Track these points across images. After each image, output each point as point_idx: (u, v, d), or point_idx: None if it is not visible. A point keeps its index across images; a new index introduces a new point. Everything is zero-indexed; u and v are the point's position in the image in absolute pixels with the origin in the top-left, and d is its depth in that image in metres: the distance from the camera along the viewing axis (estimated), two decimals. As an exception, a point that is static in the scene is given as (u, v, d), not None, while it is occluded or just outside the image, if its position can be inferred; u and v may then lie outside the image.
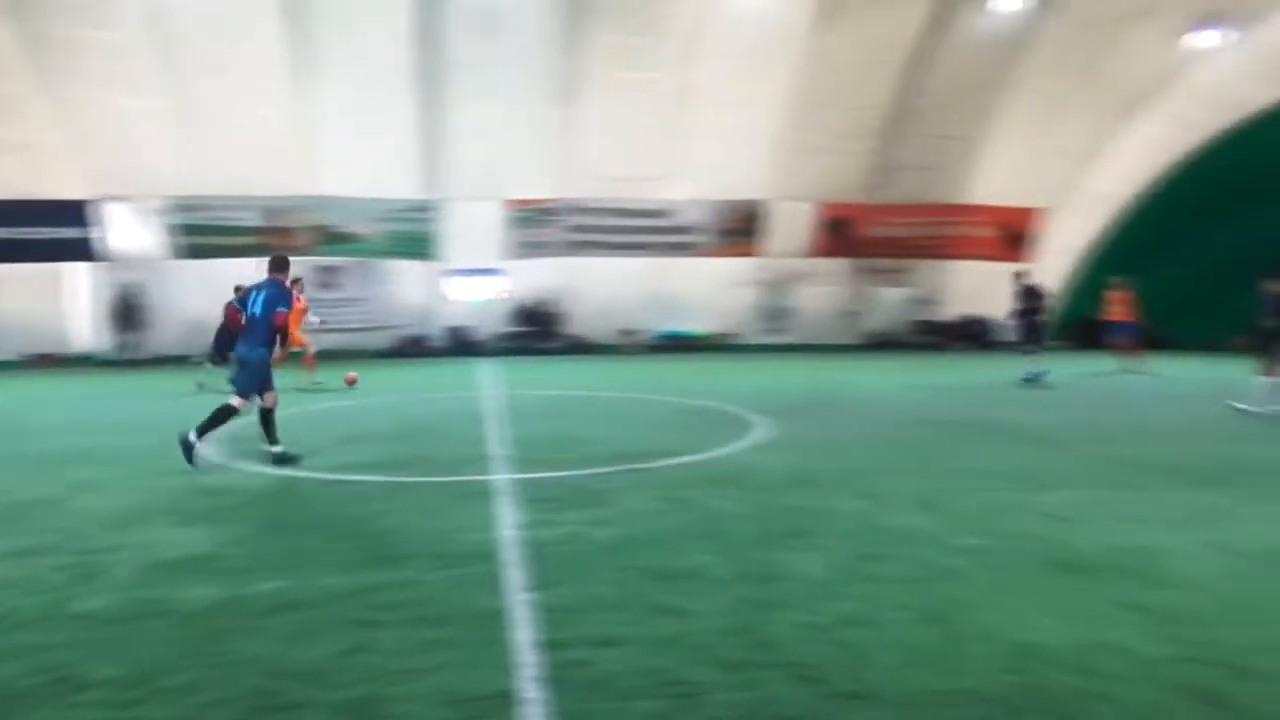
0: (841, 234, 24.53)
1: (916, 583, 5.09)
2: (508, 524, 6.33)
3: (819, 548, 5.77)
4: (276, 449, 8.60)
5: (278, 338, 8.66)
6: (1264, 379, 12.13)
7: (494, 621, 4.48)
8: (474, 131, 22.28)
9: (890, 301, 25.57)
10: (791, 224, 24.41)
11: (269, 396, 8.66)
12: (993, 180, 24.13)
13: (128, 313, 22.97)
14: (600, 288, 24.72)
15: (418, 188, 23.75)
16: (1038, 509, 6.81)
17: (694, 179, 23.96)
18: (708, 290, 25.28)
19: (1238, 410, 12.10)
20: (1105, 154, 23.54)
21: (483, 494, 7.32)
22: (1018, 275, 17.69)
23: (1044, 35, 20.85)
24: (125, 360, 22.48)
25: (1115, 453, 9.26)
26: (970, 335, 25.07)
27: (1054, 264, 25.52)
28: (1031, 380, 15.66)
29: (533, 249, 24.53)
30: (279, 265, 8.95)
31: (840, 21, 20.40)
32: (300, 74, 21.34)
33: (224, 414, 8.44)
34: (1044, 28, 20.70)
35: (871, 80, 21.91)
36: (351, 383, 15.99)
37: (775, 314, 25.47)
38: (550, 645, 4.16)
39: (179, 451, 8.32)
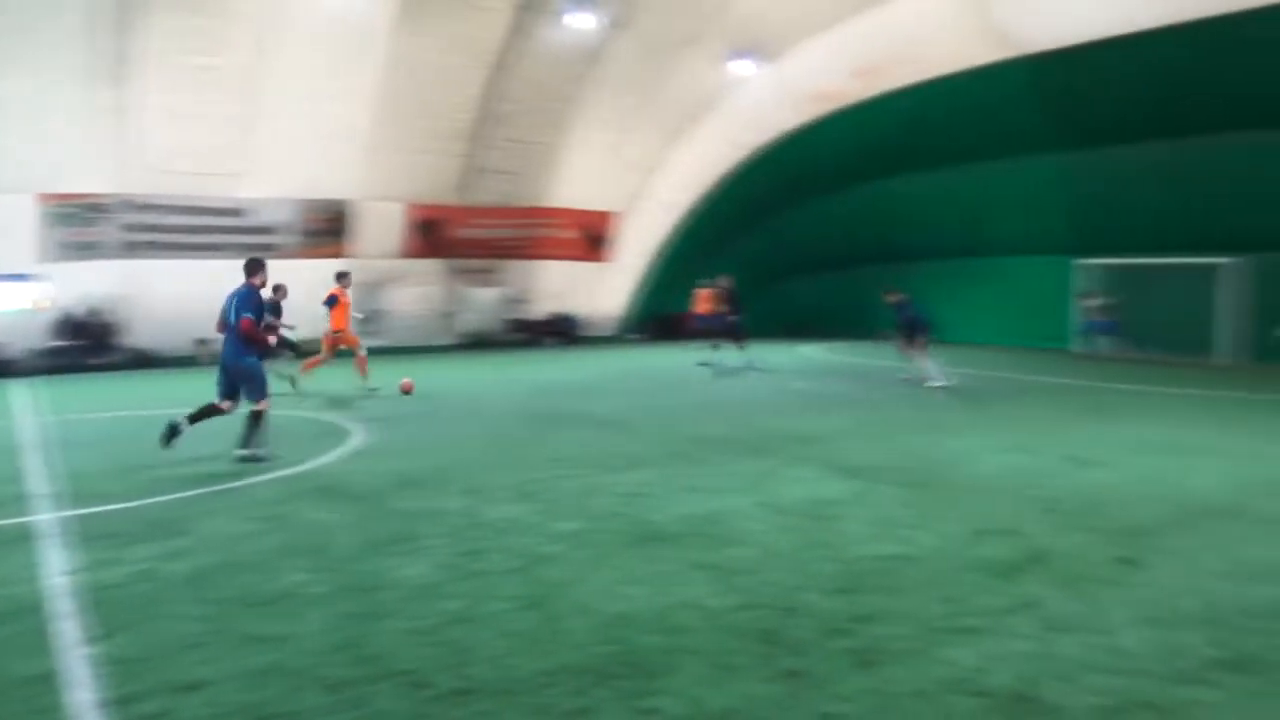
0: (433, 235, 24.50)
1: (518, 572, 5.28)
2: (56, 570, 5.44)
3: (424, 550, 5.74)
4: (245, 451, 8.83)
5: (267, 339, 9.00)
6: (914, 364, 14.98)
7: (44, 686, 3.83)
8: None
9: (483, 301, 26.11)
10: (382, 225, 23.85)
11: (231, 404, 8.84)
12: (573, 185, 25.65)
13: None
14: (168, 293, 22.10)
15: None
16: (622, 489, 7.41)
17: (275, 176, 22.38)
18: (295, 294, 23.78)
19: (906, 383, 14.76)
20: (668, 165, 26.16)
21: (20, 539, 6.21)
22: (719, 280, 19.24)
23: (613, 54, 22.59)
24: None
25: (684, 432, 10.37)
26: (559, 331, 26.46)
27: (630, 264, 27.86)
28: (748, 368, 17.66)
29: (78, 251, 21.21)
30: (252, 269, 8.90)
31: (425, 21, 20.29)
32: None
33: (255, 419, 8.85)
34: (613, 47, 22.42)
35: (458, 83, 22.10)
36: (408, 390, 14.22)
37: (369, 316, 24.76)
38: (119, 701, 3.67)
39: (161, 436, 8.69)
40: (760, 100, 23.90)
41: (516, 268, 26.50)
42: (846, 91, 22.29)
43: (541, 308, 27.18)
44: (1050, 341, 21.87)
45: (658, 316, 28.37)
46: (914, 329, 14.74)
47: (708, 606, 4.70)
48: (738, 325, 18.76)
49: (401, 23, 20.40)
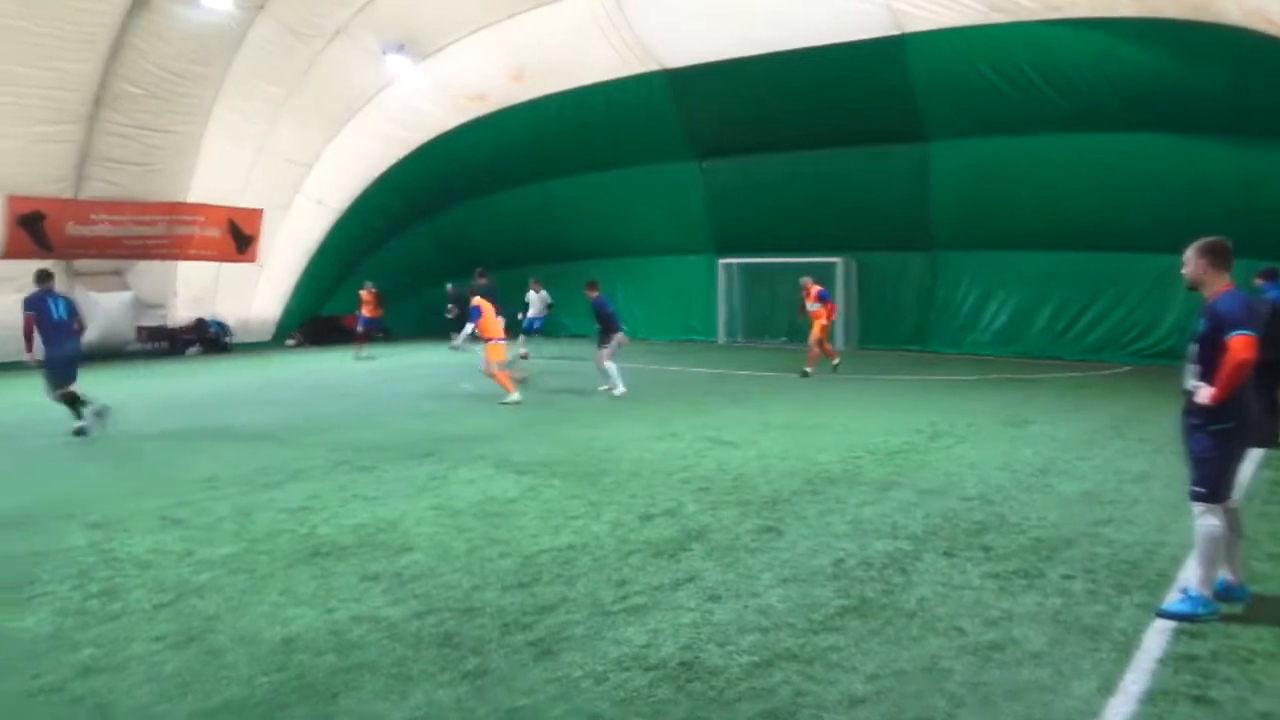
0: (40, 232, 21.17)
1: (165, 608, 4.76)
2: None
3: (42, 596, 4.97)
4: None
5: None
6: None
7: None
8: None
9: (109, 307, 23.03)
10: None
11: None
12: (217, 179, 23.42)
13: None
14: None
15: None
16: (285, 504, 6.94)
17: None
18: None
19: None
20: (322, 160, 24.80)
21: None
22: (479, 274, 17.93)
23: (257, 39, 20.95)
24: None
25: (348, 439, 9.93)
26: (205, 339, 24.13)
27: (286, 265, 26.08)
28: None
29: None
30: (45, 278, 11.13)
31: (19, -15, 17.46)
32: None
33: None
34: (258, 33, 20.78)
35: (69, 60, 19.25)
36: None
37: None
38: None
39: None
40: (417, 97, 23.49)
41: (150, 269, 23.71)
42: (503, 93, 22.61)
43: (183, 313, 24.61)
44: (695, 334, 23.80)
45: (316, 320, 26.91)
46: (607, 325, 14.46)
47: (383, 617, 4.56)
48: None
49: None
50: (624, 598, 4.80)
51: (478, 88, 22.71)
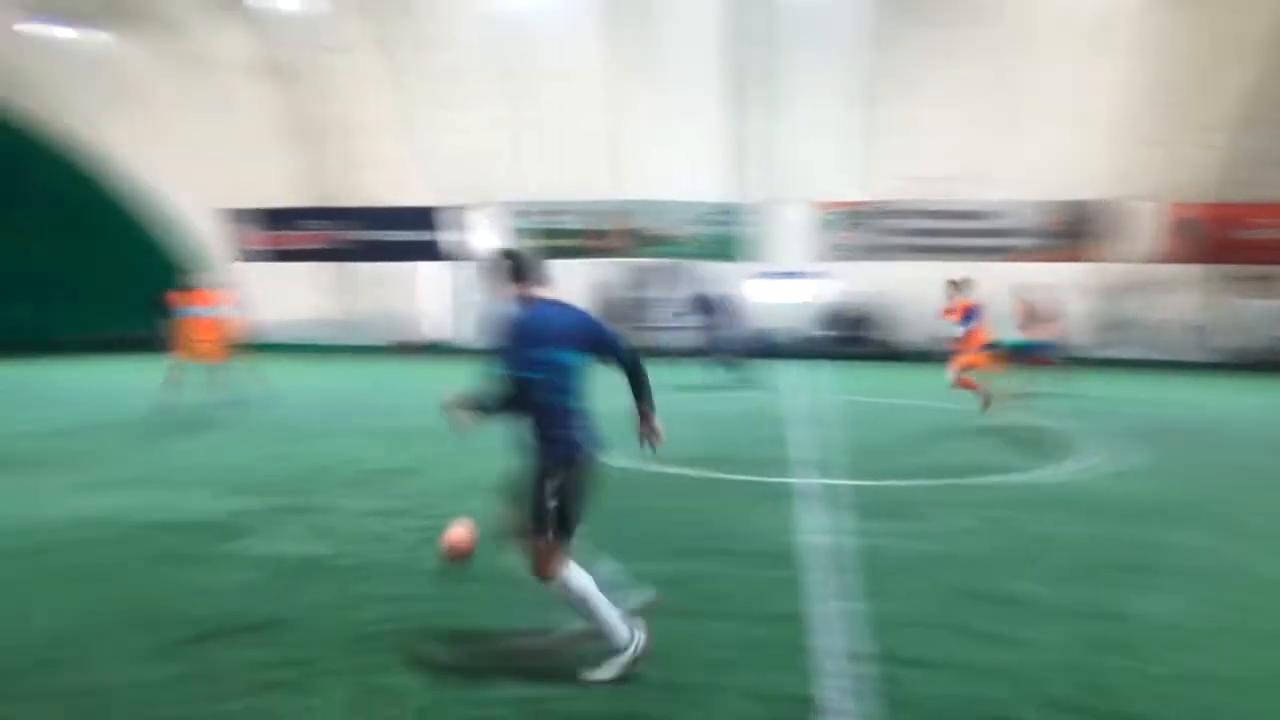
0: (1195, 237, 21.60)
1: (1291, 642, 4.33)
2: (809, 528, 6.22)
3: (1165, 587, 5.09)
4: None
5: None
6: None
7: (796, 625, 4.42)
8: (782, 133, 22.28)
9: (1254, 315, 22.10)
10: (1132, 225, 21.93)
11: None
12: None
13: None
14: (913, 292, 23.72)
15: (726, 190, 24.17)
16: None
17: (1016, 177, 22.28)
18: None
19: None
20: None
21: (783, 496, 7.28)
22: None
23: None
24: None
25: None
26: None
27: None
28: None
29: (842, 252, 24.09)
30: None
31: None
32: (614, 80, 22.54)
33: None
34: None
35: (1229, 63, 19.08)
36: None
37: (1113, 325, 22.96)
38: (855, 657, 4.02)
39: None
40: None
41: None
42: None
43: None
44: None
45: None
46: None
47: None
48: None
49: (1152, 4, 18.46)
50: None
51: None
